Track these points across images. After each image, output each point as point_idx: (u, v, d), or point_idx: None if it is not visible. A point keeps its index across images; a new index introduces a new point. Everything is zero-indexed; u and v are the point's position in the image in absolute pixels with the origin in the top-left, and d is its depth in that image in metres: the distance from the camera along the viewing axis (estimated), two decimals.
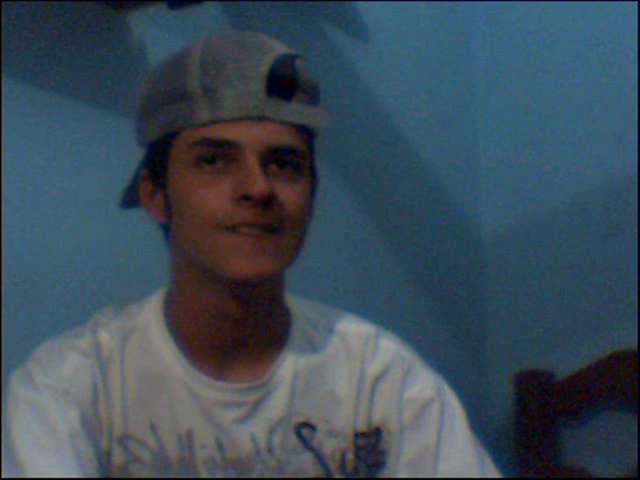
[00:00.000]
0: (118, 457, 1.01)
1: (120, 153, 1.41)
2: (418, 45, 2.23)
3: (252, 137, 0.96)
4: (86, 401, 1.00)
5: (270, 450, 1.03)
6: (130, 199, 1.09)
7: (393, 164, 2.13)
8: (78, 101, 1.48)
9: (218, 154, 0.97)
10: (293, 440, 1.04)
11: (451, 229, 2.32)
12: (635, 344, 2.08)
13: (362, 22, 2.03)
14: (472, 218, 2.37)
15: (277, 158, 0.97)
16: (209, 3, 1.59)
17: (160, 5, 1.54)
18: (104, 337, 1.03)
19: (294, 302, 1.09)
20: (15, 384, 1.00)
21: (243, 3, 1.75)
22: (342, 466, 1.06)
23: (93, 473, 0.97)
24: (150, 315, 1.05)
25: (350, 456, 1.06)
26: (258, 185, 0.94)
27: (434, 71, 2.28)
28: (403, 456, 1.07)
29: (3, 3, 1.36)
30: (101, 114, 1.51)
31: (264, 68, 0.96)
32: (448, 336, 2.27)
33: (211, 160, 0.97)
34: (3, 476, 0.95)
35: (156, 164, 1.01)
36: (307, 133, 1.01)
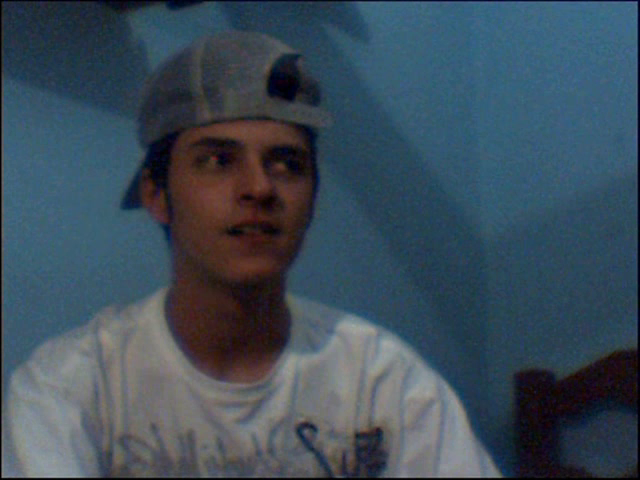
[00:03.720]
0: (119, 457, 1.01)
1: (120, 153, 1.42)
2: (418, 45, 2.23)
3: (253, 137, 0.96)
4: (87, 401, 1.00)
5: (271, 450, 1.03)
6: (131, 200, 1.09)
7: (393, 164, 2.13)
8: (78, 101, 1.48)
9: (219, 154, 0.96)
10: (294, 440, 1.04)
11: (451, 229, 2.32)
12: (635, 344, 2.08)
13: (362, 22, 2.03)
14: (472, 218, 2.37)
15: (278, 158, 0.97)
16: (209, 3, 1.59)
17: (160, 5, 1.54)
18: (105, 337, 1.03)
19: (294, 302, 1.09)
20: (16, 384, 1.00)
21: (243, 3, 1.75)
22: (343, 467, 1.06)
23: (94, 473, 0.97)
24: (151, 315, 1.05)
25: (351, 457, 1.06)
26: (259, 185, 0.94)
27: (434, 71, 2.28)
28: (404, 457, 1.07)
29: (3, 3, 1.36)
30: (101, 114, 1.51)
31: (266, 68, 0.96)
32: (448, 336, 2.27)
33: (212, 160, 0.97)
34: (3, 476, 0.95)
35: (157, 164, 1.01)
36: (308, 133, 1.01)
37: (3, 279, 1.36)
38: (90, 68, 1.50)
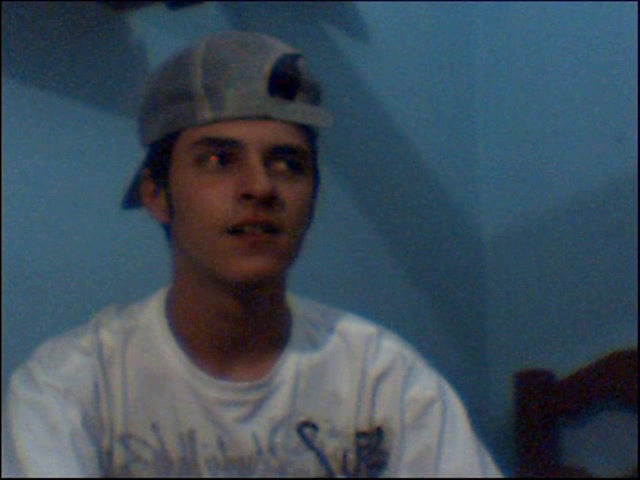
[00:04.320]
0: (119, 456, 1.01)
1: (120, 153, 1.42)
2: (418, 45, 2.23)
3: (254, 136, 0.96)
4: (87, 400, 1.00)
5: (272, 450, 1.03)
6: (131, 200, 1.09)
7: (393, 164, 2.13)
8: (78, 101, 1.48)
9: (220, 153, 0.96)
10: (295, 440, 1.04)
11: (451, 229, 2.32)
12: (635, 344, 2.08)
13: (362, 22, 2.03)
14: (472, 218, 2.37)
15: (279, 157, 0.97)
16: (209, 3, 1.60)
17: (160, 5, 1.54)
18: (106, 337, 1.03)
19: (295, 302, 1.09)
20: (16, 383, 1.00)
21: (243, 3, 1.75)
22: (344, 466, 1.06)
23: (94, 473, 0.97)
24: (151, 315, 1.05)
25: (352, 456, 1.06)
26: (260, 184, 0.94)
27: (434, 71, 2.28)
28: (404, 456, 1.07)
29: (3, 3, 1.36)
30: (101, 114, 1.51)
31: (267, 67, 0.97)
32: (448, 336, 2.27)
33: (213, 159, 0.96)
34: (3, 476, 0.95)
35: (158, 164, 1.01)
36: (309, 133, 1.01)
37: (3, 279, 1.36)
38: (90, 68, 1.50)
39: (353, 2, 1.99)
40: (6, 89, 1.38)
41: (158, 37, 1.56)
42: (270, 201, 0.95)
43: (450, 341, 2.28)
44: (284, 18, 1.81)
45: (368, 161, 2.07)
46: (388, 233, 2.12)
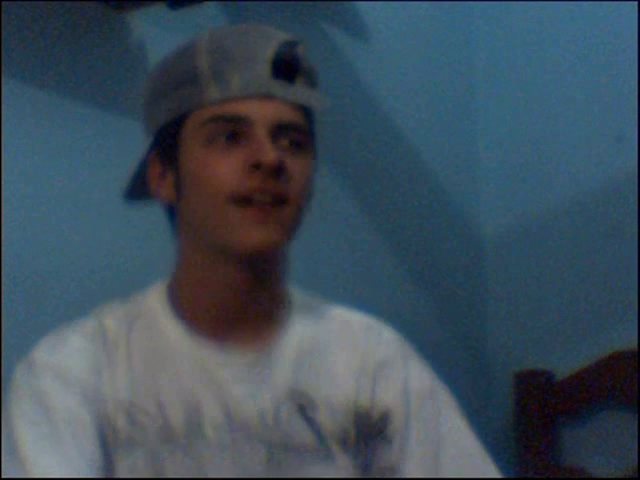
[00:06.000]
0: (122, 429, 1.01)
1: (120, 153, 1.42)
2: (418, 45, 2.23)
3: (261, 113, 1.00)
4: (87, 377, 1.01)
5: (274, 425, 1.04)
6: (135, 188, 1.10)
7: (393, 164, 2.13)
8: (78, 101, 1.49)
9: (229, 130, 1.00)
10: (295, 416, 1.05)
11: (451, 229, 2.32)
12: (635, 344, 2.08)
13: (362, 22, 2.03)
14: (472, 218, 2.37)
15: (283, 134, 1.01)
16: (209, 3, 1.60)
17: (160, 5, 1.54)
18: (109, 322, 1.05)
19: (296, 292, 1.12)
20: (18, 376, 1.02)
21: (243, 3, 1.76)
22: (343, 443, 1.06)
23: (94, 458, 0.98)
24: (154, 300, 1.07)
25: (350, 434, 1.07)
26: (269, 155, 0.98)
27: (434, 71, 2.28)
28: (405, 444, 1.08)
29: (3, 3, 1.37)
30: (101, 114, 1.51)
31: (269, 52, 1.02)
32: (448, 336, 2.27)
33: (222, 138, 1.00)
34: (4, 467, 0.96)
35: (166, 147, 1.04)
36: (308, 114, 1.05)
37: (3, 279, 1.36)
38: (90, 68, 1.50)
39: (353, 2, 2.00)
40: (6, 89, 1.38)
41: (158, 37, 1.57)
42: (278, 172, 0.98)
43: (450, 341, 2.28)
44: (284, 18, 1.82)
45: (368, 161, 2.07)
46: (388, 233, 2.12)
